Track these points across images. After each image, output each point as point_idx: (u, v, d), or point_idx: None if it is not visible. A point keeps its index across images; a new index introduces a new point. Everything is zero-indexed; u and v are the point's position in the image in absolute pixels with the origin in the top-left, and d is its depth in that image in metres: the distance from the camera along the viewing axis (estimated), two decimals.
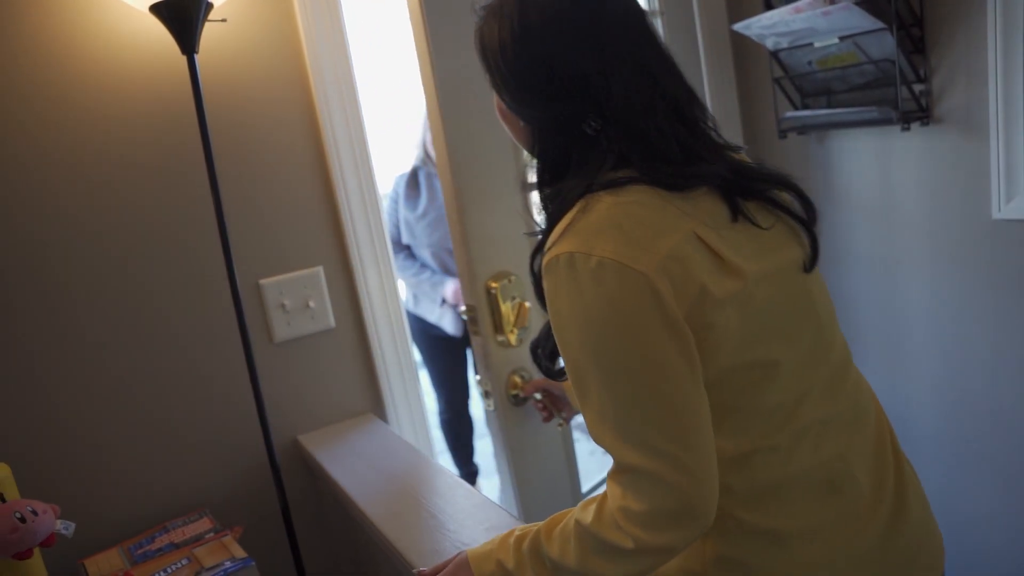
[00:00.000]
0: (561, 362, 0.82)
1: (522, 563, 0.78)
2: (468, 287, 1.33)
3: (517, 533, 0.81)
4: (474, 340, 1.37)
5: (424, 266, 2.60)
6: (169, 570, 1.14)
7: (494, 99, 0.85)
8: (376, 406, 1.53)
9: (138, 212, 1.28)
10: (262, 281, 1.38)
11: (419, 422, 1.59)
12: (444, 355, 2.74)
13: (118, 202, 1.26)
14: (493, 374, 1.34)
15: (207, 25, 1.18)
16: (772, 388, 0.75)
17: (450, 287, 2.48)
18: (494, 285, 1.31)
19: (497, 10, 0.78)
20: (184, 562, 1.16)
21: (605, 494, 0.74)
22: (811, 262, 0.79)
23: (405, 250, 2.64)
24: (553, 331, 0.74)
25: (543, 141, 0.81)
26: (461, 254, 1.31)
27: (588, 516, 0.74)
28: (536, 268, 0.79)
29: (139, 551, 1.22)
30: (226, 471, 1.38)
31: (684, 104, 0.77)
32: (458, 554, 0.87)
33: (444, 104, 1.23)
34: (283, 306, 1.41)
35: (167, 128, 1.28)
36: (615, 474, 0.72)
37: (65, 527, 1.08)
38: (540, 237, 0.80)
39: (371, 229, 1.48)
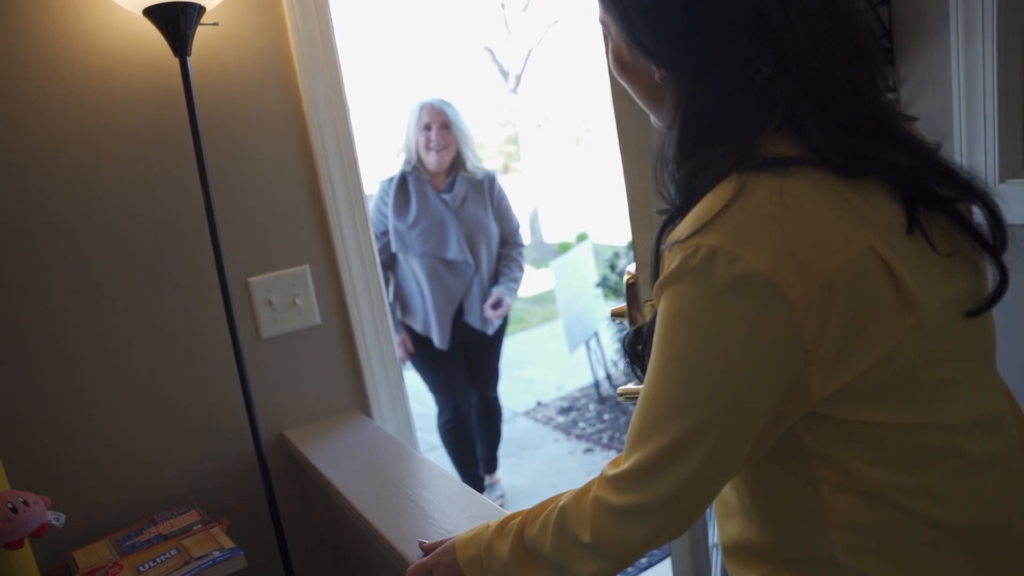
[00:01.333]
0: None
1: (503, 545, 0.77)
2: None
3: (508, 516, 0.81)
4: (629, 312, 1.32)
5: (415, 281, 2.59)
6: (158, 560, 1.17)
7: (610, 54, 0.71)
8: (360, 402, 1.57)
9: (128, 210, 1.30)
10: (250, 279, 1.41)
11: (403, 418, 1.62)
12: (442, 362, 2.73)
13: (109, 200, 1.29)
14: None
15: (198, 28, 1.21)
16: (943, 409, 0.62)
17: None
18: None
19: None
20: (173, 552, 1.19)
21: (590, 484, 0.71)
22: (991, 300, 0.63)
23: (388, 261, 2.63)
24: (657, 324, 0.62)
25: (691, 95, 0.63)
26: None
27: (569, 501, 0.71)
28: (661, 248, 0.65)
29: (128, 542, 1.24)
30: (214, 465, 1.41)
31: (874, 60, 0.62)
32: (448, 539, 0.89)
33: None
34: (270, 303, 1.44)
35: (157, 128, 1.31)
36: (616, 476, 0.66)
37: (56, 518, 1.11)
38: (671, 214, 0.67)
39: (357, 229, 1.52)
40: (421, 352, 2.74)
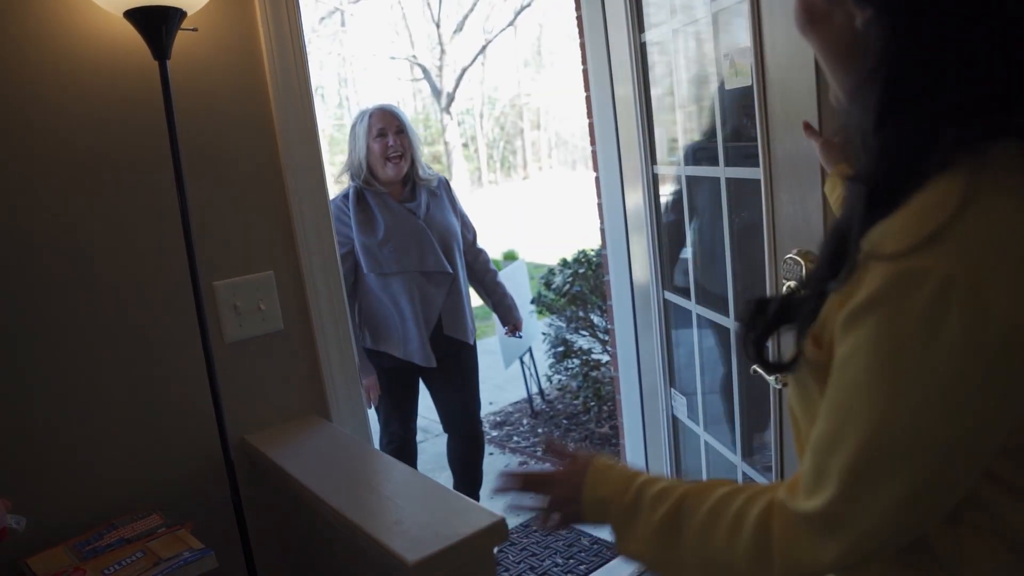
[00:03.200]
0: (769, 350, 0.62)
1: (649, 515, 0.70)
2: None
3: (651, 483, 0.72)
4: None
5: (389, 302, 2.34)
6: (124, 563, 1.15)
7: (799, 4, 0.62)
8: (320, 406, 1.58)
9: (99, 210, 1.29)
10: (216, 283, 1.42)
11: (360, 422, 1.65)
12: (394, 385, 2.50)
13: (76, 201, 1.27)
14: None
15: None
16: None
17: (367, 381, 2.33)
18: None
19: None
20: (139, 555, 1.17)
21: (775, 505, 0.63)
22: None
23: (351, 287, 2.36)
24: (840, 339, 0.54)
25: (901, 53, 0.52)
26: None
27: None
28: (855, 246, 0.54)
29: (87, 547, 1.22)
30: (174, 469, 1.40)
31: None
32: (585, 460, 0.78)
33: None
34: (235, 307, 1.45)
35: (130, 130, 1.31)
36: (815, 513, 0.57)
37: (17, 521, 1.09)
38: (852, 197, 0.57)
39: (321, 237, 1.55)
40: (398, 383, 2.48)
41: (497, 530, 1.05)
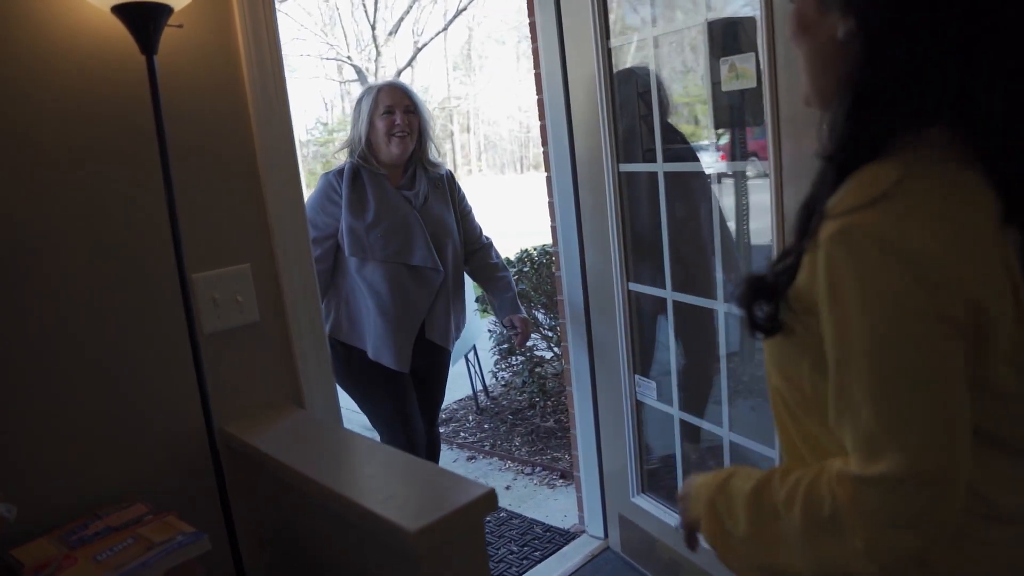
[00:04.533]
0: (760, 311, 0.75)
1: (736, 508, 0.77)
2: None
3: (745, 486, 0.78)
4: None
5: (369, 292, 2.13)
6: (116, 549, 1.17)
7: (792, 17, 0.75)
8: (295, 396, 1.62)
9: (82, 202, 1.30)
10: (194, 275, 1.44)
11: (333, 412, 1.69)
12: (395, 389, 2.23)
13: (62, 193, 1.28)
14: None
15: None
16: None
17: None
18: None
19: None
20: (130, 541, 1.19)
21: (835, 477, 0.69)
22: None
23: (326, 271, 2.17)
24: (822, 307, 0.66)
25: (874, 57, 0.66)
26: None
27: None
28: (813, 211, 0.69)
29: (73, 537, 1.22)
30: (155, 460, 1.41)
31: None
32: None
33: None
34: (214, 299, 1.47)
35: (114, 125, 1.32)
36: (871, 477, 0.65)
37: (7, 510, 1.10)
38: (821, 171, 0.72)
39: (296, 231, 1.58)
40: (365, 378, 2.24)
41: (488, 500, 1.12)
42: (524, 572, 2.53)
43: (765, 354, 0.80)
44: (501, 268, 2.47)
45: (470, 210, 2.43)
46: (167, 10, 1.22)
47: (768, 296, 0.73)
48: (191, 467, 1.44)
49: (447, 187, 2.30)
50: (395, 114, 2.13)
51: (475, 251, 2.42)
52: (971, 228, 0.64)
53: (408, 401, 2.25)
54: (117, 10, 1.19)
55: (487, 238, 2.48)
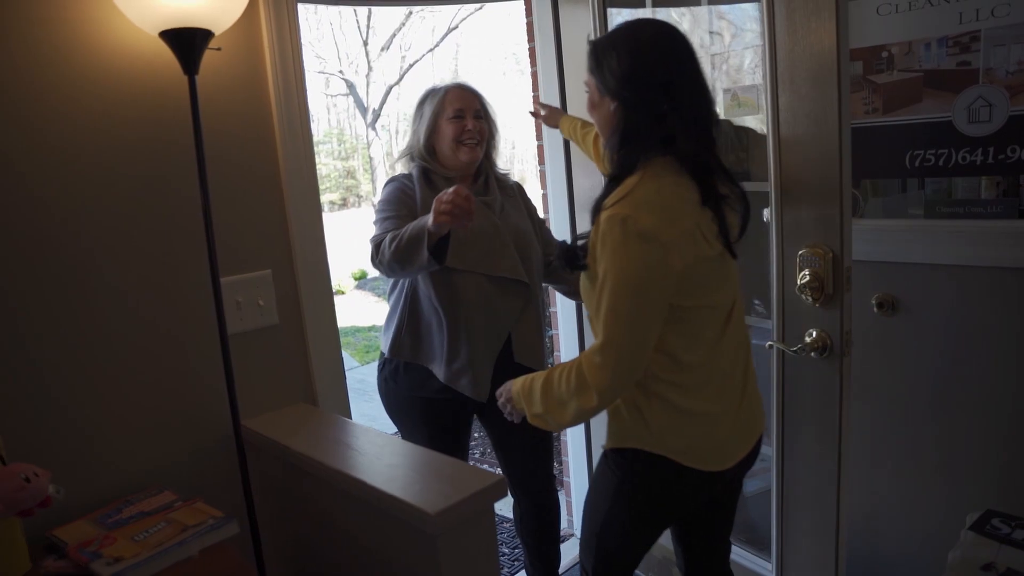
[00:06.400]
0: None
1: (536, 390, 1.32)
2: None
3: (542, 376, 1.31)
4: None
5: (437, 309, 1.78)
6: (151, 531, 1.26)
7: (589, 99, 1.33)
8: (308, 396, 1.72)
9: (121, 210, 1.40)
10: (222, 280, 1.53)
11: (344, 412, 1.79)
12: (439, 421, 1.88)
13: (108, 201, 1.39)
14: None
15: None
16: (709, 321, 1.29)
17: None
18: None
19: (612, 40, 1.28)
20: (163, 524, 1.28)
21: (582, 357, 1.23)
22: (733, 251, 1.29)
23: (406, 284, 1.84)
24: (596, 258, 1.20)
25: (627, 119, 1.24)
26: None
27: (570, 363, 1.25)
28: (598, 207, 1.22)
29: (109, 520, 1.31)
30: (180, 452, 1.50)
31: (710, 109, 1.28)
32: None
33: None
34: (237, 303, 1.57)
35: (154, 137, 1.43)
36: (597, 350, 1.19)
37: (57, 490, 1.18)
38: (606, 184, 1.26)
39: (314, 239, 1.69)
40: (444, 417, 1.87)
41: (499, 486, 1.24)
42: (516, 573, 2.62)
43: (580, 288, 1.33)
44: None
45: (543, 220, 2.20)
46: (209, 34, 1.33)
47: (580, 250, 1.27)
48: (212, 459, 1.53)
49: (520, 197, 2.04)
50: (465, 119, 1.86)
51: (551, 262, 2.06)
52: (677, 210, 1.19)
53: (451, 443, 1.89)
54: (164, 34, 1.30)
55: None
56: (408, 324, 1.83)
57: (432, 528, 1.15)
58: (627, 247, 1.15)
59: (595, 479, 1.46)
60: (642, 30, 1.26)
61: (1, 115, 1.26)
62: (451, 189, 1.49)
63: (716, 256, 1.24)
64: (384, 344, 1.88)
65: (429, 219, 1.53)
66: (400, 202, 1.82)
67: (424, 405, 1.85)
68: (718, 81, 1.88)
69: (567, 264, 1.31)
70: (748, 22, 1.83)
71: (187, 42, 1.31)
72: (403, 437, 1.93)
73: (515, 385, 1.37)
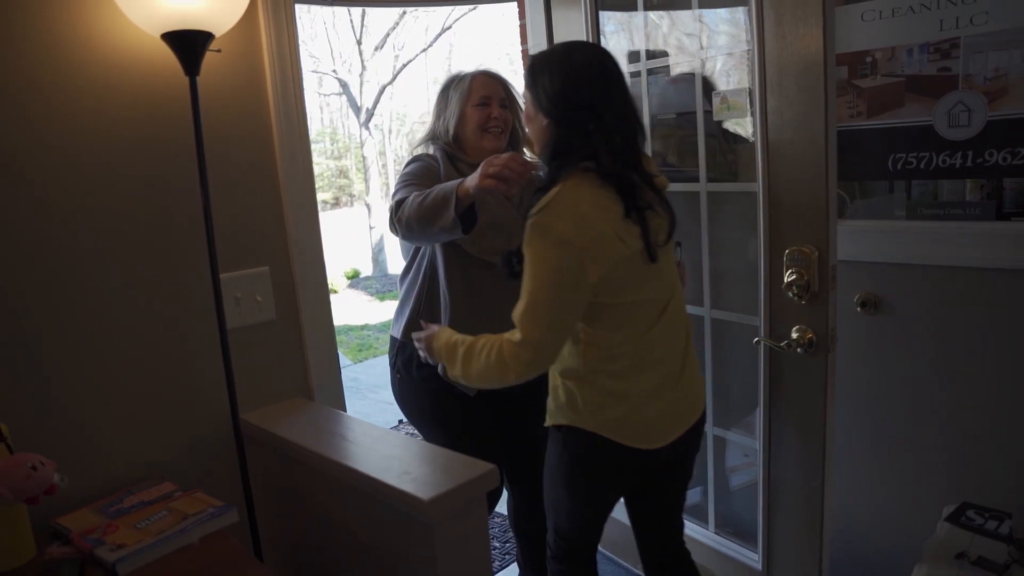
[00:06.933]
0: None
1: (456, 350, 1.40)
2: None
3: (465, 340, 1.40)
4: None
5: (463, 293, 1.74)
6: (152, 519, 1.30)
7: (524, 113, 1.45)
8: (304, 390, 1.75)
9: (125, 208, 1.44)
10: (222, 275, 1.57)
11: (338, 406, 1.82)
12: (476, 419, 1.84)
13: (109, 199, 1.43)
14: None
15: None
16: (640, 314, 1.39)
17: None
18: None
19: (547, 60, 1.38)
20: (164, 513, 1.32)
21: (504, 341, 1.32)
22: (653, 257, 1.36)
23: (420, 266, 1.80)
24: (525, 257, 1.31)
25: (557, 135, 1.35)
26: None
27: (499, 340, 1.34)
28: (525, 217, 1.33)
29: (111, 508, 1.35)
30: (178, 444, 1.53)
31: (635, 129, 1.38)
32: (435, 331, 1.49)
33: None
34: (236, 299, 1.60)
35: (155, 136, 1.46)
36: (519, 339, 1.29)
37: (62, 479, 1.21)
38: (537, 192, 1.34)
39: (310, 236, 1.73)
40: (440, 405, 1.82)
41: (491, 476, 1.28)
42: (506, 566, 2.66)
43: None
44: None
45: None
46: (210, 36, 1.37)
47: (516, 258, 1.35)
48: (210, 451, 1.57)
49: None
50: (491, 106, 1.82)
51: None
52: (593, 218, 1.27)
53: (488, 437, 1.86)
54: (166, 36, 1.34)
55: None
56: (426, 306, 1.78)
57: (425, 515, 1.19)
58: (546, 251, 1.27)
59: (546, 458, 1.55)
60: (575, 53, 1.37)
61: (5, 115, 1.30)
62: (506, 154, 1.45)
63: (637, 258, 1.33)
64: (396, 329, 1.83)
65: (469, 180, 1.47)
66: (426, 175, 1.75)
67: (434, 399, 1.81)
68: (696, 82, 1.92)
69: (507, 272, 1.39)
70: (721, 24, 1.87)
71: (189, 44, 1.35)
72: (418, 425, 1.92)
73: (438, 341, 1.46)
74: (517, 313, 1.30)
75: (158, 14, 1.30)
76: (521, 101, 1.86)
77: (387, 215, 1.64)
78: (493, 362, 1.31)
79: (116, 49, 1.40)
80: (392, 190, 1.79)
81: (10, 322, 1.33)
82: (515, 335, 1.30)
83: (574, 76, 1.33)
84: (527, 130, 1.48)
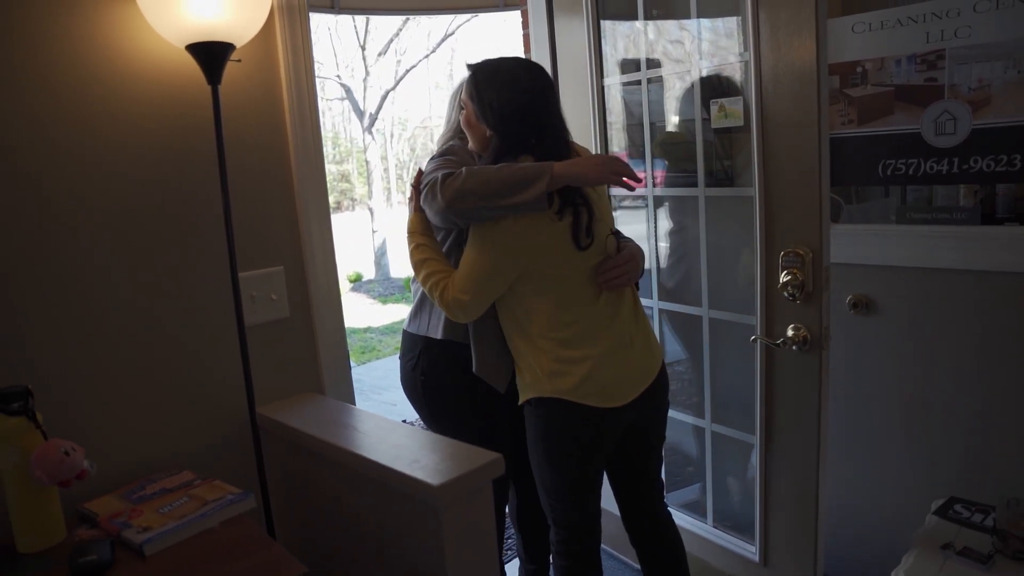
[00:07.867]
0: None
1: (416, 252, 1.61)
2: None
3: (426, 244, 1.60)
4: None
5: None
6: (174, 504, 1.36)
7: (463, 117, 1.62)
8: (316, 385, 1.82)
9: (149, 213, 1.51)
10: (240, 274, 1.64)
11: (349, 402, 1.89)
12: (492, 414, 1.81)
13: (135, 203, 1.50)
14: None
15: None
16: (579, 288, 1.54)
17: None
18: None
19: (493, 77, 1.53)
20: (185, 499, 1.38)
21: (448, 285, 1.51)
22: (582, 245, 1.51)
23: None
24: (470, 231, 1.50)
25: (500, 145, 1.52)
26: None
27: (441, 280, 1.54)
28: None
29: (134, 496, 1.41)
30: (196, 435, 1.60)
31: (566, 142, 1.57)
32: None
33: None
34: (252, 297, 1.67)
35: (178, 143, 1.53)
36: (457, 289, 1.48)
37: (91, 465, 1.28)
38: None
39: (323, 238, 1.80)
40: (458, 401, 1.81)
41: (496, 464, 1.35)
42: (508, 562, 2.72)
43: None
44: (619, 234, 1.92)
45: None
46: (231, 47, 1.44)
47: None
48: (229, 442, 1.64)
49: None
50: None
51: None
52: (531, 221, 1.44)
53: (504, 433, 1.83)
54: (191, 47, 1.41)
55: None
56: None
57: (435, 500, 1.26)
58: (483, 236, 1.47)
59: (527, 442, 1.65)
60: (520, 73, 1.52)
61: (33, 125, 1.37)
62: (620, 159, 1.63)
63: (568, 245, 1.48)
64: (415, 325, 1.81)
65: (567, 167, 1.46)
66: (464, 160, 1.70)
67: (466, 388, 1.76)
68: (679, 83, 1.99)
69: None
70: (718, 35, 1.94)
71: (212, 55, 1.42)
72: (434, 418, 1.89)
73: (412, 223, 1.62)
74: (458, 275, 1.49)
75: (184, 26, 1.37)
76: None
77: (422, 190, 1.56)
78: (431, 289, 1.52)
79: (142, 61, 1.47)
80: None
81: (50, 319, 1.40)
82: (455, 288, 1.49)
83: (521, 99, 1.49)
84: (467, 132, 1.62)
